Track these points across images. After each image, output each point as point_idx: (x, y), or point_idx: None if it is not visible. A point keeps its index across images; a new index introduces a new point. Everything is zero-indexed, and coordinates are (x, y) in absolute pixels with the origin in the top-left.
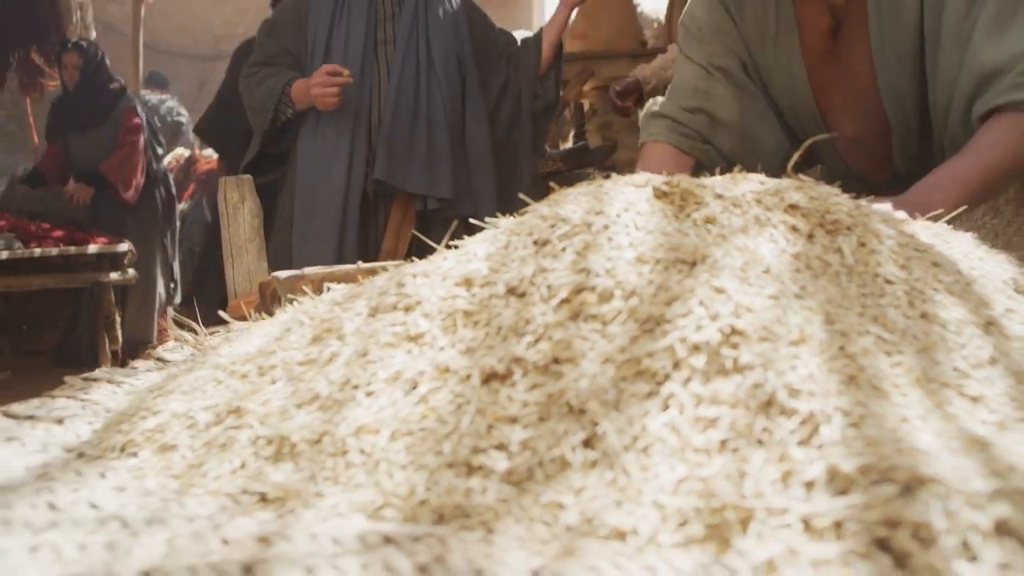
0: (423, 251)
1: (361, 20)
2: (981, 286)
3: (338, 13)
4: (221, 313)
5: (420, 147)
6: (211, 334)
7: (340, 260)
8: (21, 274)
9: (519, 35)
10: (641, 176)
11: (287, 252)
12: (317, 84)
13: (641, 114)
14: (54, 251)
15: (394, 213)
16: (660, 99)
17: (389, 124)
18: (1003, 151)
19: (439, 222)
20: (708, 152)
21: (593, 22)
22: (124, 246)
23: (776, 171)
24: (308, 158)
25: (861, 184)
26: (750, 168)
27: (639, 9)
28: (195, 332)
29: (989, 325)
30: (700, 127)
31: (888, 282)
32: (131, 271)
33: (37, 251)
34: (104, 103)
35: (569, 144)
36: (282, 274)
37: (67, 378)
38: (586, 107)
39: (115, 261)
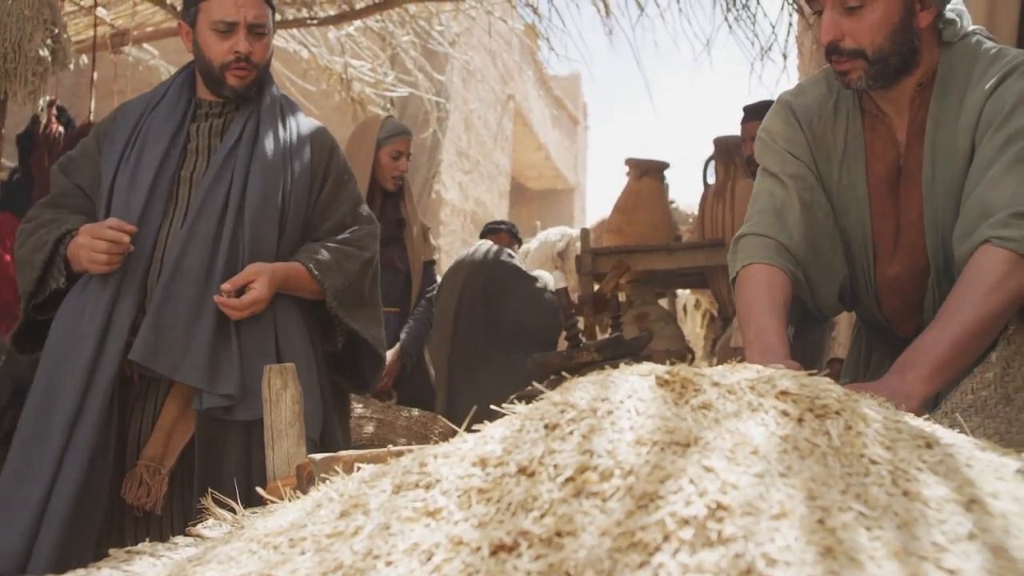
0: (210, 464)
1: (156, 150)
2: (969, 467)
3: (131, 142)
4: (259, 491)
5: (205, 321)
6: (250, 513)
7: (59, 470)
8: None
9: (559, 232)
10: (645, 366)
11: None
12: (83, 243)
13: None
14: None
15: (168, 409)
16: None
17: (166, 284)
18: (970, 314)
19: (226, 427)
20: (797, 275)
21: (629, 218)
22: None
23: (834, 291)
24: (59, 324)
25: (887, 337)
26: (819, 286)
27: (674, 205)
28: (233, 511)
29: (972, 503)
30: (774, 232)
31: (873, 462)
32: None
33: None
34: None
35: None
36: (317, 456)
37: (111, 551)
38: (622, 299)
39: None
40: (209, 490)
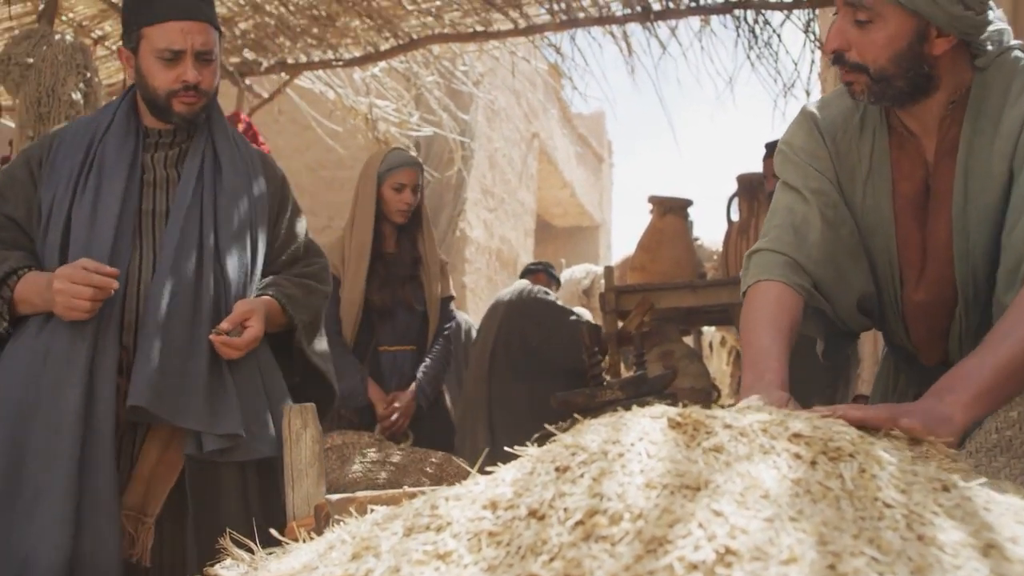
0: (206, 509)
1: (116, 182)
2: (988, 510)
3: (84, 173)
4: (274, 533)
5: (199, 361)
6: (267, 554)
7: (78, 531)
8: None
9: (584, 269)
10: (657, 408)
11: None
12: (62, 288)
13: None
14: None
15: (147, 454)
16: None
17: (159, 327)
18: (1018, 343)
19: (219, 468)
20: (811, 292)
21: (653, 256)
22: None
23: (856, 312)
24: (10, 371)
25: (913, 364)
26: (838, 302)
27: (699, 242)
28: (252, 552)
29: (989, 548)
30: (790, 250)
31: (887, 506)
32: None
33: None
34: None
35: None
36: (333, 497)
37: None
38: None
39: None
40: (227, 530)
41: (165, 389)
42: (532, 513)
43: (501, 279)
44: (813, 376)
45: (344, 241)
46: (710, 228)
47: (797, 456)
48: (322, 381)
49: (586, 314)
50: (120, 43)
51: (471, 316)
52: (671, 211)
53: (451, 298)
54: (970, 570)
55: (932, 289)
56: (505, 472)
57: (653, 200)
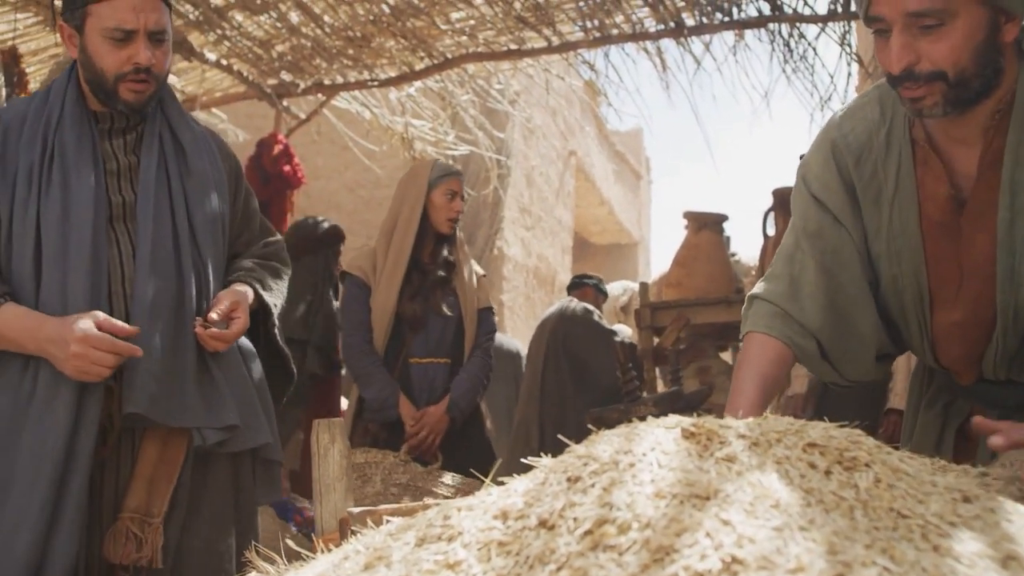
0: (199, 502)
1: (85, 176)
2: (1010, 522)
3: (46, 167)
4: (290, 543)
5: (187, 357)
6: (292, 566)
7: (50, 549)
8: None
9: (621, 286)
10: (672, 419)
11: None
12: (81, 353)
13: None
14: None
15: (147, 453)
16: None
17: (147, 326)
18: None
19: (221, 459)
20: (803, 345)
21: (688, 271)
22: None
23: (869, 356)
24: None
25: (945, 376)
26: (845, 354)
27: (735, 258)
28: (276, 564)
29: (1009, 559)
30: (784, 302)
31: (903, 516)
32: None
33: None
34: None
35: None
36: (355, 509)
37: None
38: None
39: None
40: (252, 543)
41: (160, 393)
42: (542, 523)
43: (539, 297)
44: (855, 396)
45: (377, 248)
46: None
47: (812, 465)
48: (284, 365)
49: (626, 331)
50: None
51: (509, 334)
52: (706, 226)
53: (490, 308)
54: None
55: (969, 308)
56: (518, 483)
57: (688, 215)
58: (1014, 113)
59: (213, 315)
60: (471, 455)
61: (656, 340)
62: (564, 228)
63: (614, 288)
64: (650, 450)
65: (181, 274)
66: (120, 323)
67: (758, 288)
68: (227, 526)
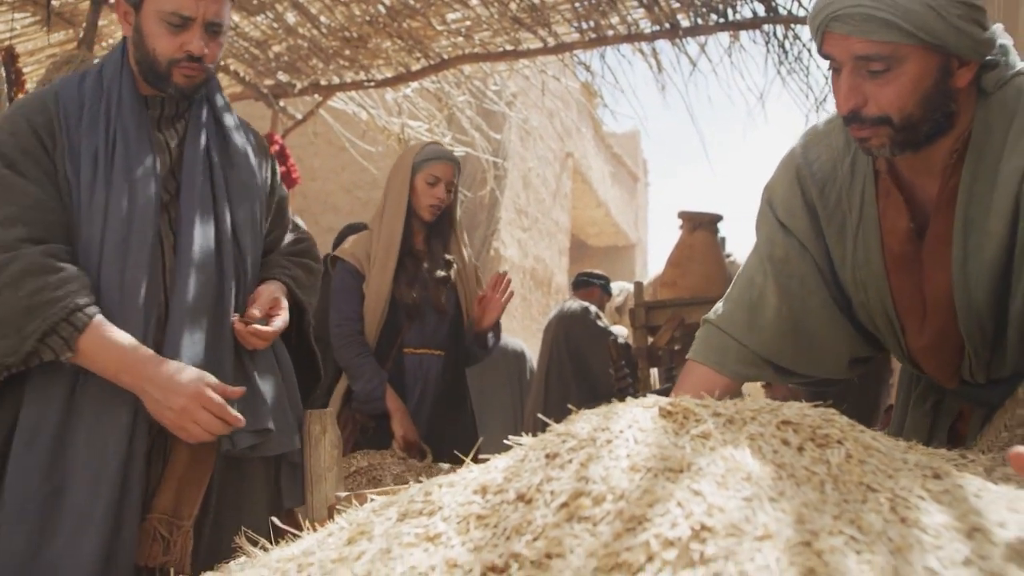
0: (238, 507)
1: (147, 168)
2: (978, 497)
3: (109, 154)
4: (276, 522)
5: (226, 357)
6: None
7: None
8: None
9: (617, 287)
10: (650, 398)
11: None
12: (189, 409)
13: None
14: None
15: (179, 454)
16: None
17: (188, 322)
18: None
19: (256, 462)
20: (755, 375)
21: (683, 271)
22: None
23: (841, 361)
24: (55, 394)
25: (929, 382)
26: (805, 368)
27: (731, 259)
28: (266, 549)
29: (974, 531)
30: (739, 332)
31: (872, 490)
32: None
33: None
34: None
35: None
36: (342, 493)
37: None
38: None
39: None
40: (242, 529)
41: None
42: (520, 497)
43: (535, 298)
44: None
45: (372, 236)
46: (743, 244)
47: (785, 442)
48: (313, 364)
49: (623, 332)
50: None
51: (505, 335)
52: (701, 226)
53: None
54: (951, 551)
55: (936, 335)
56: (499, 460)
57: (683, 215)
58: (969, 152)
59: (255, 311)
60: (458, 440)
61: (650, 339)
62: (561, 230)
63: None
64: (627, 427)
65: (222, 270)
66: (231, 388)
67: (714, 313)
68: (263, 531)
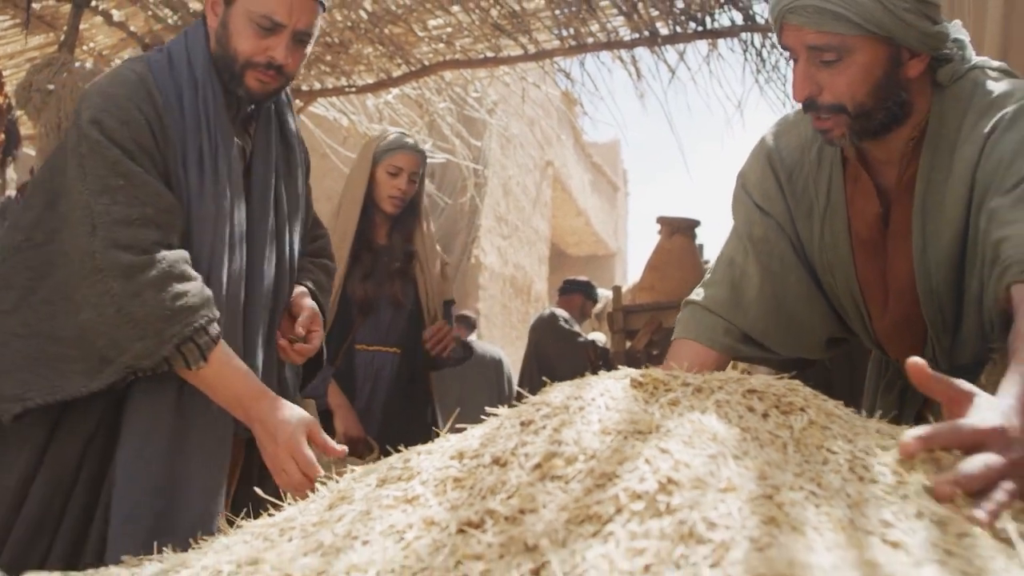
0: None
1: (237, 173)
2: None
3: (207, 154)
4: (259, 491)
5: (274, 362)
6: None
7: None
8: None
9: (602, 293)
10: (621, 371)
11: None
12: (279, 456)
13: None
14: None
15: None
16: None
17: (252, 330)
18: None
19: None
20: (745, 352)
21: (661, 275)
22: None
23: (818, 341)
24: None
25: (897, 368)
26: (787, 349)
27: (708, 264)
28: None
29: (928, 489)
30: (724, 310)
31: (832, 452)
32: None
33: None
34: None
35: None
36: (322, 473)
37: (124, 557)
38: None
39: None
40: (222, 511)
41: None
42: (495, 461)
43: (515, 306)
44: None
45: (331, 227)
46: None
47: (751, 408)
48: (317, 358)
49: (601, 338)
50: None
51: (483, 343)
52: (679, 231)
53: (452, 301)
54: (905, 505)
55: (899, 319)
56: (476, 428)
57: (661, 221)
58: (926, 142)
59: (300, 330)
60: (415, 440)
61: (628, 343)
62: (541, 238)
63: None
64: (599, 395)
65: (280, 273)
66: (331, 444)
67: (697, 294)
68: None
